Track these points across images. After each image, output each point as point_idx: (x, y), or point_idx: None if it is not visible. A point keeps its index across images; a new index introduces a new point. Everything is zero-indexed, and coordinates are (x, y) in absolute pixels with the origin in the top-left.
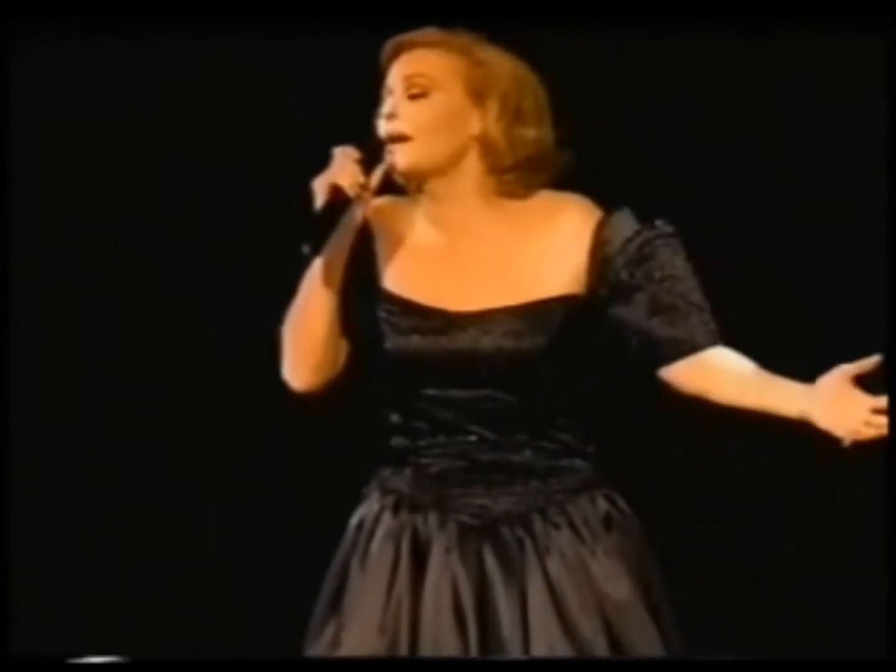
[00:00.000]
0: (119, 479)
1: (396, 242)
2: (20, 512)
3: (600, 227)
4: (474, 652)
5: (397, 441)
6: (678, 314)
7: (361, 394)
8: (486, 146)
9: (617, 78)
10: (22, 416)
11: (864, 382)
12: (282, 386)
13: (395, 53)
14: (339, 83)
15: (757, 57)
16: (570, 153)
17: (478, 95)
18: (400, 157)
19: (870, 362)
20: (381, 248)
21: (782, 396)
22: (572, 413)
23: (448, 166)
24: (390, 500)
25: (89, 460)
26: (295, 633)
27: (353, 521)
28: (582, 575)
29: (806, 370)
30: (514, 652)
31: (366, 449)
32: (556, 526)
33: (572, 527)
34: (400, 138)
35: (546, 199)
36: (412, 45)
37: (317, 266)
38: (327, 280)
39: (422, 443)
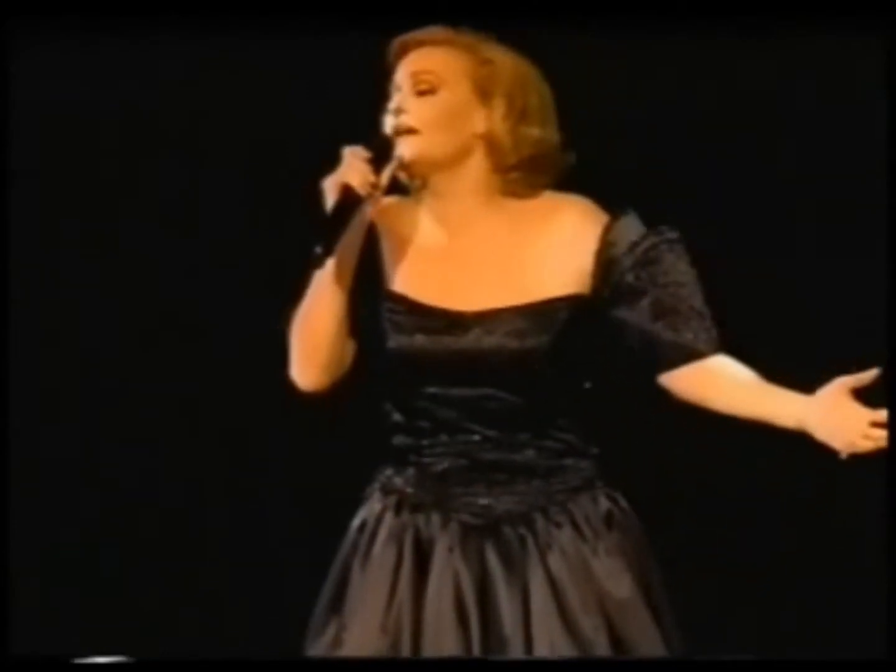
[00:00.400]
0: (119, 479)
1: (400, 242)
2: (20, 512)
3: (607, 230)
4: (476, 651)
5: (399, 440)
6: (681, 319)
7: (363, 393)
8: (490, 144)
9: (617, 78)
10: (22, 416)
11: (864, 393)
12: (282, 385)
13: (403, 51)
14: (339, 83)
15: (757, 57)
16: (573, 154)
17: (484, 94)
18: (407, 149)
19: (868, 375)
20: (385, 247)
21: (780, 407)
22: (574, 412)
23: (453, 163)
24: (392, 499)
25: (89, 460)
26: (295, 633)
27: (355, 522)
28: (583, 573)
29: (806, 370)
30: (516, 651)
31: (367, 448)
32: (558, 525)
33: (574, 525)
34: (407, 131)
35: (550, 200)
36: (419, 43)
37: (327, 266)
38: (337, 280)
39: (424, 442)
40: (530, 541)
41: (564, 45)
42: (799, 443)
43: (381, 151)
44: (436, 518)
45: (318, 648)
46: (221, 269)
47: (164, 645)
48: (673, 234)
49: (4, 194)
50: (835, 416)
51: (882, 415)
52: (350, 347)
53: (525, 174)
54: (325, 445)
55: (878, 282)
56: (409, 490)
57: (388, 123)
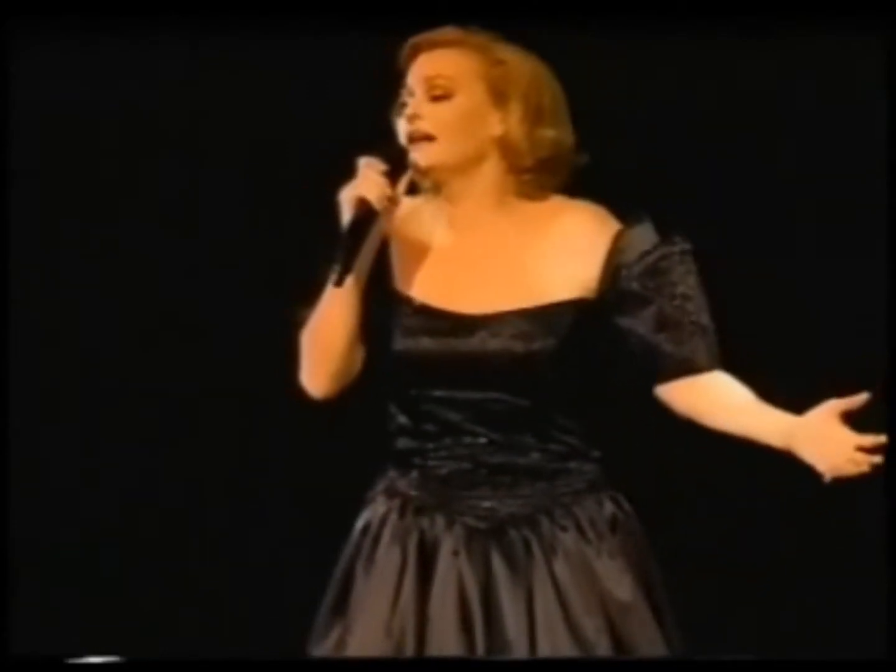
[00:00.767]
0: (119, 479)
1: (407, 243)
2: (20, 512)
3: (618, 237)
4: (480, 653)
5: (404, 443)
6: (683, 333)
7: (366, 394)
8: (506, 147)
9: (617, 78)
10: (22, 416)
11: (859, 415)
12: (283, 385)
13: (414, 53)
14: (339, 83)
15: (757, 57)
16: (586, 154)
17: (499, 96)
18: (424, 156)
19: (859, 399)
20: (393, 249)
21: (769, 427)
22: (579, 416)
23: (468, 167)
24: (396, 502)
25: (89, 460)
26: (295, 633)
27: (359, 524)
28: (586, 576)
29: (806, 371)
30: (519, 653)
31: (372, 451)
32: (563, 528)
33: (579, 528)
34: (424, 138)
35: (561, 204)
36: (431, 45)
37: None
38: (351, 290)
39: (429, 445)
40: (535, 544)
41: (564, 45)
42: None
43: (394, 158)
44: (440, 521)
45: (321, 650)
46: (221, 269)
47: (164, 645)
48: (685, 246)
49: (4, 194)
50: (821, 438)
51: (869, 440)
52: (360, 353)
53: (538, 175)
54: (326, 446)
55: (878, 282)
56: (414, 493)
57: (403, 130)
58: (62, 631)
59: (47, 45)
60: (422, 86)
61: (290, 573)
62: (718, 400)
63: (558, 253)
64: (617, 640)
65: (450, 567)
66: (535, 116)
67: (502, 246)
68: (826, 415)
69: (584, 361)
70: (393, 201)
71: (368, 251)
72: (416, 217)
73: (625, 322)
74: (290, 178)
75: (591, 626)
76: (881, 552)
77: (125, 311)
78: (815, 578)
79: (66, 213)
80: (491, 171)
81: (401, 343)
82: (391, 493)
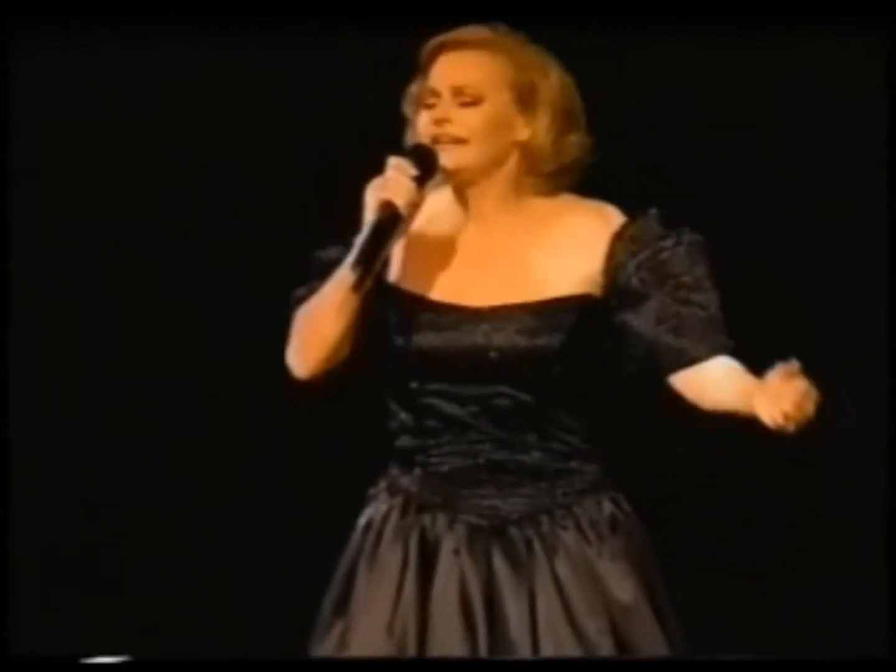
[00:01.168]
0: (119, 479)
1: (413, 237)
2: (20, 512)
3: (621, 231)
4: (483, 652)
5: (406, 440)
6: (684, 323)
7: (368, 391)
8: (530, 152)
9: (617, 78)
10: (22, 416)
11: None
12: (283, 385)
13: (438, 51)
14: (339, 83)
15: (757, 57)
16: (595, 155)
17: (526, 103)
18: (452, 159)
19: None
20: (397, 243)
21: (743, 395)
22: (581, 415)
23: (493, 167)
24: (398, 500)
25: (89, 460)
26: (295, 633)
27: (361, 522)
28: (588, 576)
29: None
30: (522, 652)
31: (374, 448)
32: (564, 528)
33: (579, 529)
34: (455, 141)
35: (569, 201)
36: (456, 45)
37: (348, 272)
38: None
39: (431, 441)
40: (536, 543)
41: (564, 44)
42: (799, 443)
43: (420, 158)
44: (442, 518)
45: (323, 650)
46: (221, 269)
47: (164, 645)
48: (694, 237)
49: (4, 194)
50: (767, 389)
51: (802, 387)
52: (351, 341)
53: (556, 177)
54: (332, 444)
55: (878, 282)
56: (416, 490)
57: (427, 130)
58: (62, 631)
59: (47, 45)
60: (449, 91)
61: (290, 573)
62: (709, 382)
63: (563, 249)
64: (620, 642)
65: (451, 566)
66: (561, 123)
67: (509, 242)
68: (780, 370)
69: (588, 359)
70: (417, 206)
71: (383, 254)
72: (423, 212)
73: (627, 317)
74: (290, 178)
75: (594, 628)
76: (881, 552)
77: (125, 311)
78: (815, 578)
79: (66, 213)
80: (508, 172)
81: (403, 338)
82: (393, 490)
